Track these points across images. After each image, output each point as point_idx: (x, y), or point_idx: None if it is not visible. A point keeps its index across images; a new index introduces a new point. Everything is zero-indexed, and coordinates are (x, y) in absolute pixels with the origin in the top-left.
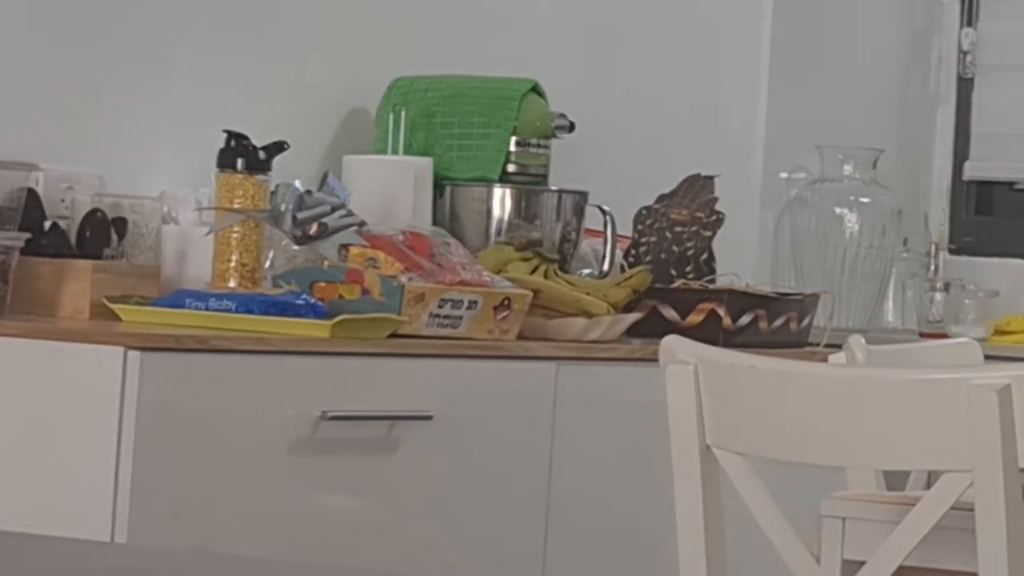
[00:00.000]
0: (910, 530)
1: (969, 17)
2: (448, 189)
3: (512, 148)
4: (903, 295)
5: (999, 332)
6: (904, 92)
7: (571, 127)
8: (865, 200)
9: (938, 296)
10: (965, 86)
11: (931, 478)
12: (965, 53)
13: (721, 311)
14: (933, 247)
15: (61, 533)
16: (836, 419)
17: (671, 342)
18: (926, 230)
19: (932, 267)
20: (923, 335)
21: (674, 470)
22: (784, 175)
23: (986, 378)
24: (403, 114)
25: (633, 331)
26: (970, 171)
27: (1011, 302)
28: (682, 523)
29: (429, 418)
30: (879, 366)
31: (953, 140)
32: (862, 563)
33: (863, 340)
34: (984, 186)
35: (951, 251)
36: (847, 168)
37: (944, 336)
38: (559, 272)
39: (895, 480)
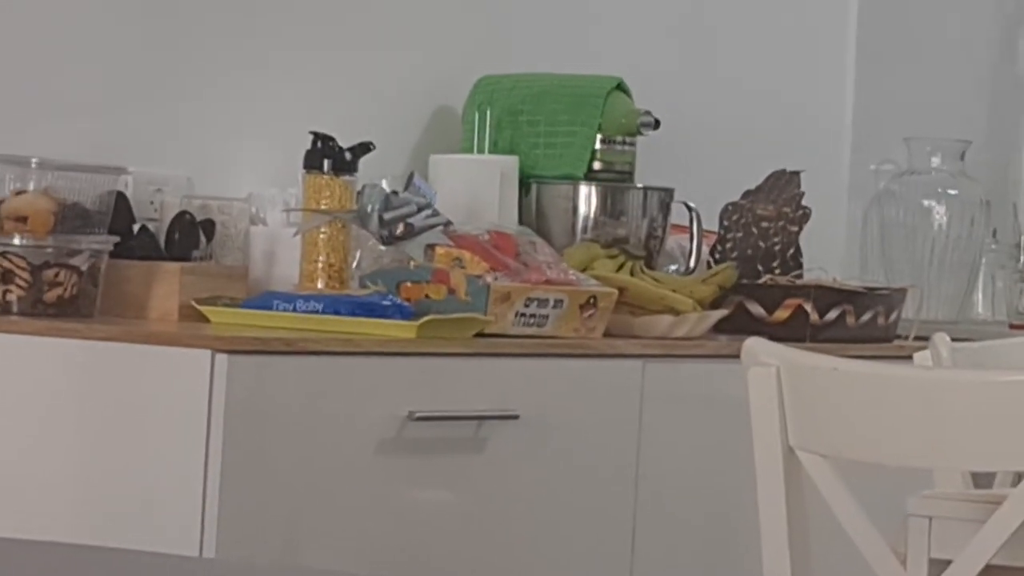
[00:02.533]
0: (996, 529)
1: None
2: (534, 187)
3: (597, 146)
4: (992, 286)
5: None
6: (993, 81)
7: (656, 124)
8: (953, 192)
9: None
10: None
11: (1019, 476)
12: None
13: (808, 306)
14: (1022, 238)
15: (149, 534)
16: (919, 421)
17: (753, 344)
18: (1015, 221)
19: (1022, 258)
20: (1012, 326)
21: (757, 472)
22: (872, 167)
23: None
24: (488, 113)
25: (720, 327)
26: None
27: None
28: (765, 525)
29: (516, 417)
30: (963, 365)
31: None
32: (949, 562)
33: (948, 338)
34: None
35: None
36: (935, 160)
37: None
38: (645, 269)
39: (982, 478)
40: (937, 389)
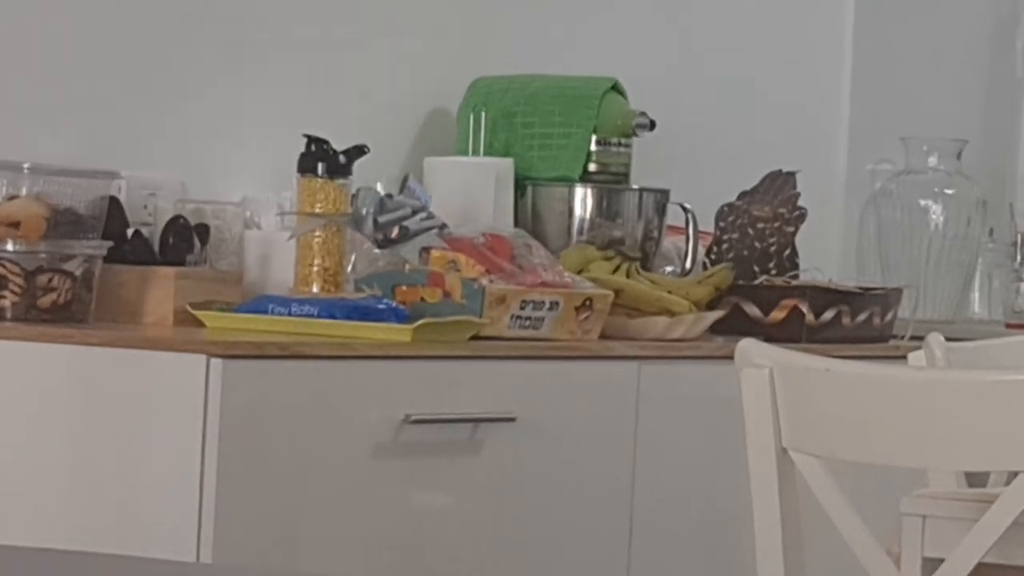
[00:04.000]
0: (988, 527)
1: None
2: (529, 189)
3: (593, 147)
4: (989, 286)
5: None
6: (989, 81)
7: (652, 125)
8: (950, 191)
9: None
10: None
11: (1012, 475)
12: None
13: (804, 307)
14: (1019, 237)
15: (145, 540)
16: (912, 421)
17: (746, 345)
18: (1012, 220)
19: (1018, 257)
20: (1009, 326)
21: (751, 473)
22: (868, 167)
23: None
24: (483, 115)
25: (716, 328)
26: None
27: None
28: (759, 526)
29: (512, 420)
30: (958, 365)
31: None
32: (942, 560)
33: (942, 338)
34: None
35: None
36: (932, 159)
37: None
38: (641, 271)
39: (976, 478)
40: (929, 389)
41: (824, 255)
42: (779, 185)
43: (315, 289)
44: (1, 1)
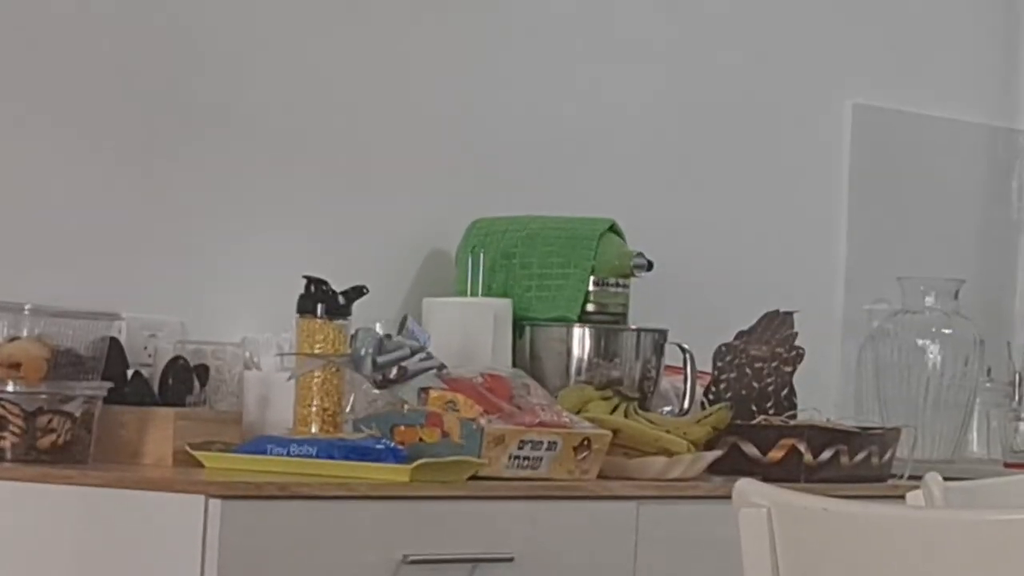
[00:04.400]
0: None
1: None
2: (528, 329)
3: (591, 287)
4: (987, 425)
5: None
6: (985, 221)
7: (649, 266)
8: (947, 331)
9: (1022, 426)
10: None
11: None
12: None
13: (802, 447)
14: (1017, 376)
15: None
16: (911, 561)
17: (744, 485)
18: (1009, 359)
19: (1016, 396)
20: (1007, 465)
21: None
22: (866, 307)
23: None
24: (482, 256)
25: (714, 468)
26: None
27: None
28: None
29: (511, 560)
30: (957, 504)
31: None
32: None
33: (940, 477)
34: None
35: None
36: (929, 299)
37: None
38: (639, 411)
39: None
40: (928, 529)
41: (822, 394)
42: (776, 325)
43: (314, 429)
44: (1, 142)
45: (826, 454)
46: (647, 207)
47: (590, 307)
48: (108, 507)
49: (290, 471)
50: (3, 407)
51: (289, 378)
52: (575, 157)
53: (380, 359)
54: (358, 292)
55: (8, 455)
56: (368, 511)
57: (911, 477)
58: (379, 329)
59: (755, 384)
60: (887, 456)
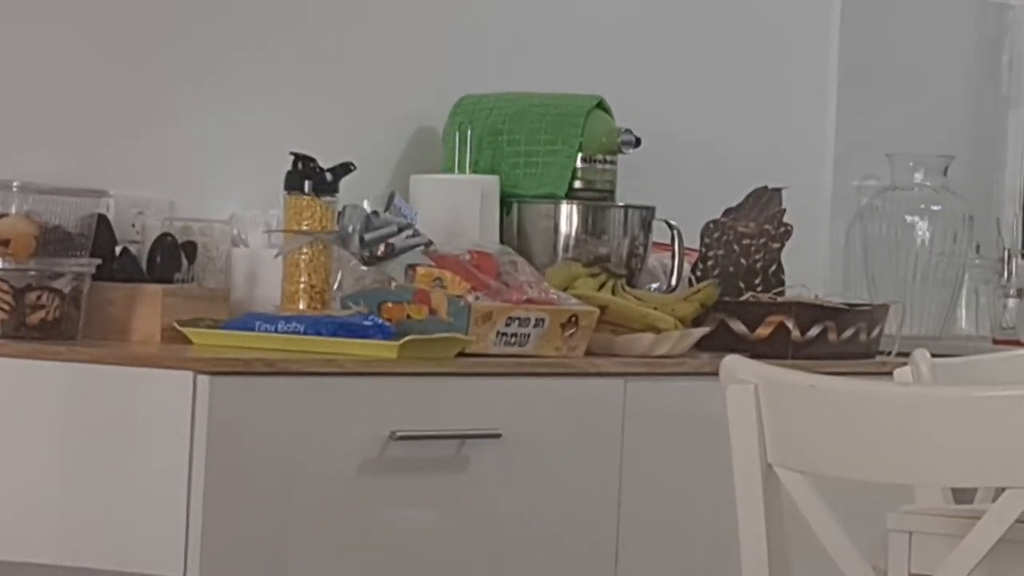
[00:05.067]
0: (975, 544)
1: None
2: (515, 206)
3: (578, 164)
4: (976, 302)
5: None
6: (975, 97)
7: (637, 142)
8: (936, 207)
9: (1011, 302)
10: None
11: (999, 491)
12: None
13: (790, 323)
14: (1006, 253)
15: (133, 555)
16: (897, 437)
17: (731, 362)
18: (999, 236)
19: (1005, 273)
20: (996, 342)
21: (736, 490)
22: (855, 184)
23: None
24: (469, 133)
25: (702, 345)
26: None
27: None
28: (745, 543)
29: (498, 436)
30: (944, 381)
31: None
32: None
33: (928, 354)
34: None
35: None
36: (918, 176)
37: (1018, 343)
38: (626, 288)
39: (963, 494)
40: (914, 405)
41: (810, 271)
42: (765, 201)
43: (302, 306)
44: None
45: (814, 331)
46: (635, 83)
47: (578, 184)
48: (97, 383)
49: (278, 347)
50: None
51: (277, 255)
52: (564, 33)
53: (368, 236)
54: (345, 169)
55: None
56: (356, 387)
57: (899, 354)
58: (366, 206)
59: (743, 261)
60: (875, 333)
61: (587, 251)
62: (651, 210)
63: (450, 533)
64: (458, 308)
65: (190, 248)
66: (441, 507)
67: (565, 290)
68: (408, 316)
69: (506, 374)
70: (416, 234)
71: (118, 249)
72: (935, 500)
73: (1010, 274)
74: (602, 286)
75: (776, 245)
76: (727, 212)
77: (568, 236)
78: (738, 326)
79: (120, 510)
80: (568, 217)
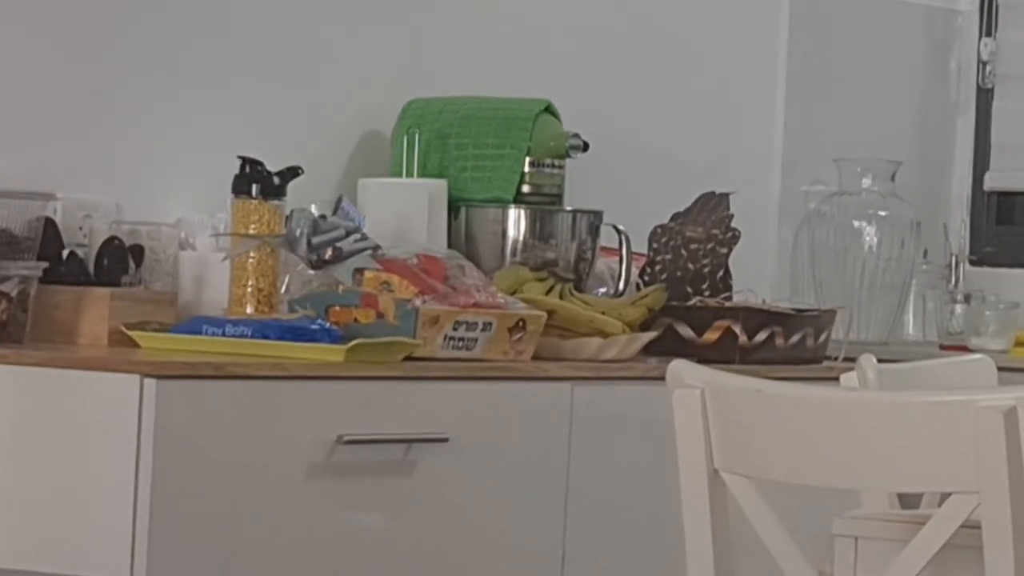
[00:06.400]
0: (920, 549)
1: (988, 27)
2: (463, 210)
3: (526, 168)
4: (923, 307)
5: (1020, 343)
6: (923, 103)
7: (585, 147)
8: (883, 213)
9: (958, 308)
10: (984, 96)
11: (944, 496)
12: (984, 63)
13: (737, 328)
14: (953, 258)
15: (79, 559)
16: (842, 442)
17: (678, 366)
18: (946, 241)
19: (952, 278)
20: (943, 347)
21: (682, 494)
22: (803, 189)
23: (992, 400)
24: (417, 136)
25: (649, 349)
26: (990, 181)
27: None
28: (691, 546)
29: (445, 440)
30: (890, 386)
31: (973, 150)
32: None
33: (874, 359)
34: (1005, 196)
35: (971, 262)
36: (866, 181)
37: (965, 349)
38: (574, 292)
39: (909, 499)
40: (859, 410)
41: (758, 276)
42: (712, 206)
43: (249, 310)
44: None
45: (761, 335)
46: (583, 88)
47: (525, 188)
48: (44, 387)
49: (225, 351)
50: None
51: (224, 258)
52: (512, 37)
53: (315, 240)
54: (293, 173)
55: None
56: (303, 391)
57: (846, 359)
58: (314, 210)
59: (690, 265)
60: (822, 338)
61: (535, 255)
62: (599, 214)
63: (398, 537)
64: (405, 312)
65: (137, 251)
66: (388, 511)
67: (513, 294)
68: (355, 320)
69: (453, 378)
70: (364, 238)
71: (65, 252)
72: (881, 505)
73: (957, 280)
74: (550, 290)
75: (724, 250)
76: (675, 217)
77: (516, 240)
78: (685, 331)
79: (67, 514)
80: (516, 221)
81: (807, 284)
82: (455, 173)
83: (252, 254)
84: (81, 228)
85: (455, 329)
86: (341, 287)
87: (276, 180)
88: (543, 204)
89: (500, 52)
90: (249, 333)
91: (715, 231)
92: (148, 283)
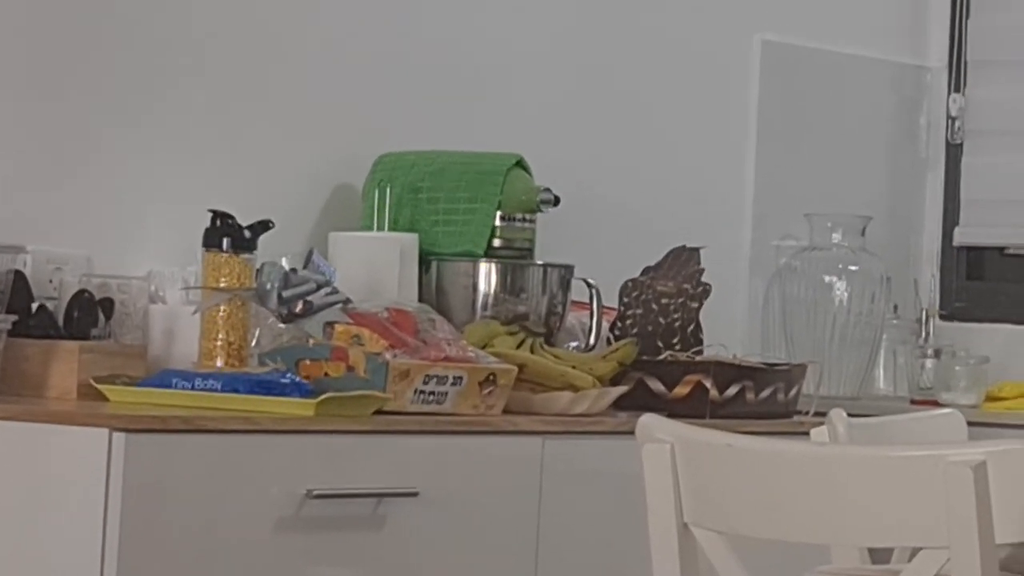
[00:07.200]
0: None
1: (957, 83)
2: (434, 264)
3: (497, 222)
4: (894, 362)
5: (991, 398)
6: (893, 159)
7: (556, 201)
8: (854, 268)
9: (929, 363)
10: (954, 152)
11: (915, 551)
12: (953, 119)
13: (708, 383)
14: (923, 313)
15: None
16: (812, 497)
17: (648, 421)
18: (916, 296)
19: (923, 333)
20: (914, 402)
21: (652, 549)
22: (773, 243)
23: (962, 455)
24: (388, 190)
25: (620, 404)
26: (960, 237)
27: (1003, 368)
28: None
29: (415, 495)
30: (861, 441)
31: (943, 206)
32: None
33: (844, 414)
34: (974, 251)
35: (942, 317)
36: (836, 236)
37: (935, 403)
38: (545, 346)
39: (880, 553)
40: (830, 465)
41: (728, 331)
42: (683, 260)
43: (219, 363)
44: None
45: (732, 390)
46: (554, 142)
47: (496, 242)
48: (12, 440)
49: (195, 405)
50: None
51: (194, 312)
52: (483, 92)
53: (286, 293)
54: (264, 226)
55: None
56: (273, 445)
57: (817, 414)
58: (285, 263)
59: (661, 320)
60: (793, 392)
61: (506, 309)
62: (570, 268)
63: None
64: (376, 365)
65: (107, 304)
66: (358, 566)
67: (483, 348)
68: (326, 374)
69: (424, 432)
70: (334, 291)
71: (35, 305)
72: (852, 560)
73: (927, 335)
74: (520, 344)
75: (694, 304)
76: (646, 271)
77: (487, 294)
78: (656, 385)
79: (34, 568)
80: (487, 275)
81: (778, 338)
82: (426, 227)
83: (222, 307)
84: (51, 281)
85: (425, 383)
86: (311, 341)
87: (247, 233)
88: (514, 258)
89: (472, 107)
90: (219, 387)
91: (686, 285)
92: (118, 336)
